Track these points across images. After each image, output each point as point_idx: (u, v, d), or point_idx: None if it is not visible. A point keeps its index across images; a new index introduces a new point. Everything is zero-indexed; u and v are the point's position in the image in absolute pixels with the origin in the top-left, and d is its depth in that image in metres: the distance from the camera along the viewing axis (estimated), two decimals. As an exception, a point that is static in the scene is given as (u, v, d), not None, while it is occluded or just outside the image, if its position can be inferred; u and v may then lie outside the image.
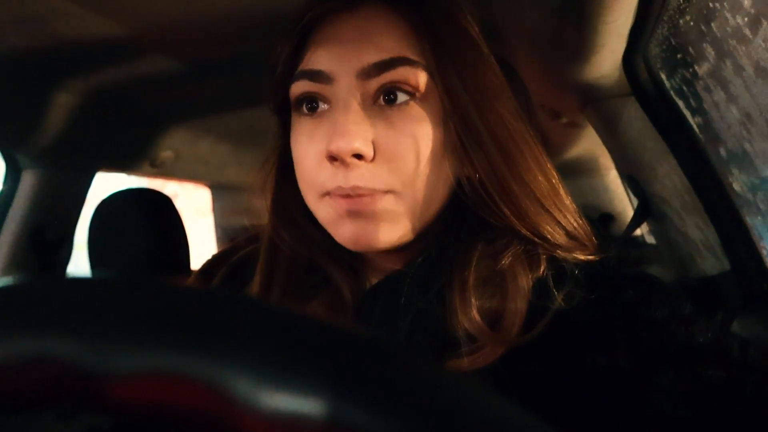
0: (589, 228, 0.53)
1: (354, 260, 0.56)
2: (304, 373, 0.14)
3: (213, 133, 1.55)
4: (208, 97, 1.25)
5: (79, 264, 1.49)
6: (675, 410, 0.39)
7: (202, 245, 2.22)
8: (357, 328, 0.16)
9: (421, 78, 0.48)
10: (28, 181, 1.21)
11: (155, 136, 1.41)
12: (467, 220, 0.51)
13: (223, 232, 2.15)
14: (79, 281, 0.16)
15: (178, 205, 1.36)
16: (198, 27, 0.87)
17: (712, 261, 1.00)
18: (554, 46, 0.94)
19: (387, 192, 0.48)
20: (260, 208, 0.60)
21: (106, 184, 1.47)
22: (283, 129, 0.57)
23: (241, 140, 1.63)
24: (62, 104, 1.09)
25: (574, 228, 0.51)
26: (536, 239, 0.49)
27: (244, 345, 0.15)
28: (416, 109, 0.48)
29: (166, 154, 1.49)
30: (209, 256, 0.68)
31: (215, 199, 2.14)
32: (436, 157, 0.49)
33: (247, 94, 1.22)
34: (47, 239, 1.25)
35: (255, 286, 0.56)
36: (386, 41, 0.48)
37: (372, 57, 0.48)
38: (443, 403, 0.15)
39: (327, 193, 0.49)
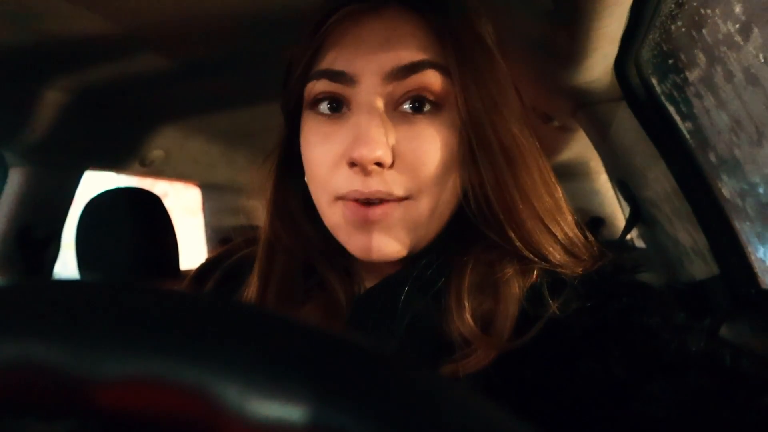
0: (586, 239, 0.52)
1: (349, 263, 0.56)
2: (291, 380, 0.14)
3: (204, 132, 1.54)
4: (200, 96, 1.24)
5: (66, 263, 1.48)
6: (667, 418, 0.39)
7: (192, 245, 2.21)
8: (347, 334, 0.15)
9: (444, 84, 0.47)
10: (15, 179, 1.20)
11: (145, 134, 1.40)
12: (466, 228, 0.51)
13: (213, 232, 2.14)
14: (65, 284, 0.16)
15: (168, 204, 1.36)
16: (190, 26, 0.86)
17: (700, 265, 1.01)
18: (546, 49, 0.94)
19: (404, 199, 0.47)
20: (251, 208, 0.59)
21: (94, 183, 1.46)
22: (290, 128, 0.55)
23: (232, 140, 1.62)
24: (51, 101, 1.08)
25: (572, 243, 0.50)
26: (535, 258, 0.48)
27: (232, 351, 0.14)
28: (437, 117, 0.48)
29: (156, 153, 1.48)
30: (204, 260, 0.67)
31: (205, 199, 2.13)
32: (450, 166, 0.48)
33: (239, 95, 1.21)
34: (34, 238, 1.24)
35: (251, 288, 0.55)
36: (411, 45, 0.47)
37: (398, 60, 0.47)
38: (432, 409, 0.14)
39: (341, 198, 0.48)
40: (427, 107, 0.48)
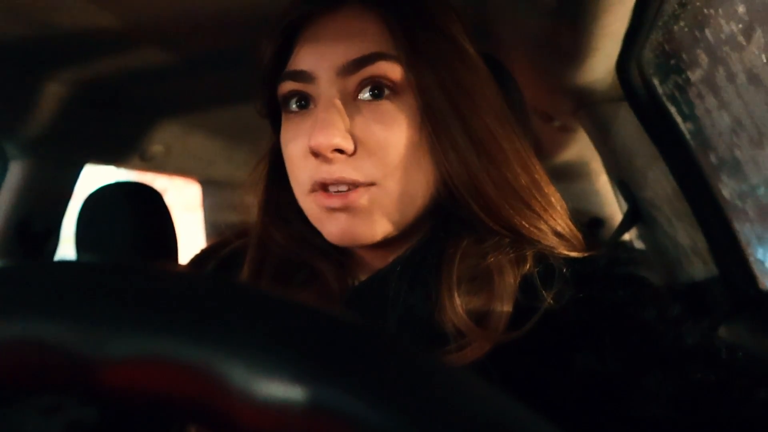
0: (577, 231, 0.53)
1: (343, 258, 0.56)
2: (297, 360, 0.14)
3: (204, 127, 1.54)
4: (201, 91, 1.24)
5: (65, 257, 1.47)
6: (663, 412, 0.39)
7: (191, 241, 2.21)
8: (353, 317, 0.15)
9: (398, 73, 0.49)
10: (15, 171, 1.20)
11: (146, 129, 1.39)
12: (453, 217, 0.52)
13: (213, 228, 2.14)
14: (70, 264, 0.16)
15: (167, 200, 1.35)
16: (192, 20, 0.86)
17: (700, 266, 1.01)
18: (548, 48, 0.94)
19: (370, 185, 0.49)
20: (251, 204, 0.60)
21: (94, 177, 1.46)
22: (274, 129, 0.57)
23: (233, 136, 1.62)
24: (52, 95, 1.08)
25: (561, 227, 0.51)
26: (510, 234, 0.50)
27: (238, 331, 0.14)
28: (394, 104, 0.50)
29: (156, 147, 1.48)
30: (197, 251, 0.68)
31: (205, 195, 2.12)
32: (415, 152, 0.50)
33: (240, 90, 1.21)
34: (34, 231, 1.23)
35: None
36: (363, 39, 0.50)
37: (350, 54, 0.49)
38: (436, 392, 0.14)
39: (313, 189, 0.50)
40: (385, 92, 0.50)
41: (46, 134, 1.15)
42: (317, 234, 0.54)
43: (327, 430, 0.13)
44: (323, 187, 0.49)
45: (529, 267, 0.49)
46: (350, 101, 0.50)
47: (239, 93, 1.23)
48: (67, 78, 1.06)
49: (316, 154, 0.48)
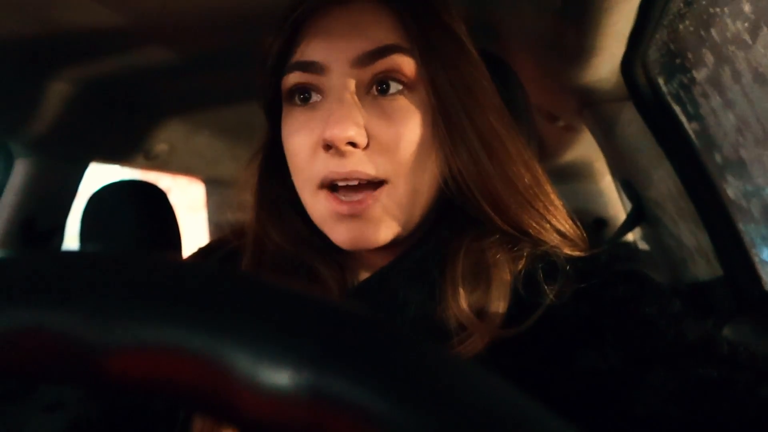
0: (579, 229, 0.53)
1: (342, 257, 0.56)
2: (303, 349, 0.14)
3: (209, 126, 1.54)
4: (206, 90, 1.24)
5: (70, 254, 1.47)
6: (665, 408, 0.39)
7: (195, 241, 2.21)
8: (359, 307, 0.15)
9: (412, 67, 0.49)
10: (20, 170, 1.20)
11: (151, 128, 1.40)
12: (456, 215, 0.52)
13: (216, 228, 2.14)
14: (76, 254, 0.16)
15: (171, 200, 1.36)
16: (197, 19, 0.87)
17: (704, 266, 1.01)
18: (553, 47, 0.94)
19: (381, 183, 0.49)
20: (249, 203, 0.59)
21: (99, 176, 1.46)
22: (272, 123, 0.57)
23: (237, 135, 1.62)
24: (57, 93, 1.08)
25: (563, 226, 0.51)
26: (517, 234, 0.50)
27: (245, 320, 0.14)
28: (407, 100, 0.50)
29: (161, 146, 1.48)
30: (195, 250, 0.67)
31: (209, 194, 2.13)
32: (426, 149, 0.50)
33: (245, 89, 1.21)
34: (39, 229, 1.24)
35: None
36: (378, 32, 0.49)
37: (365, 46, 0.49)
38: (442, 382, 0.14)
39: (322, 186, 0.49)
40: (398, 89, 0.49)
41: (51, 133, 1.16)
42: (314, 232, 0.53)
43: (332, 419, 0.13)
44: (332, 186, 0.49)
45: (530, 263, 0.49)
46: (363, 95, 0.49)
47: (244, 92, 1.23)
48: (72, 77, 1.06)
49: (327, 147, 0.47)
